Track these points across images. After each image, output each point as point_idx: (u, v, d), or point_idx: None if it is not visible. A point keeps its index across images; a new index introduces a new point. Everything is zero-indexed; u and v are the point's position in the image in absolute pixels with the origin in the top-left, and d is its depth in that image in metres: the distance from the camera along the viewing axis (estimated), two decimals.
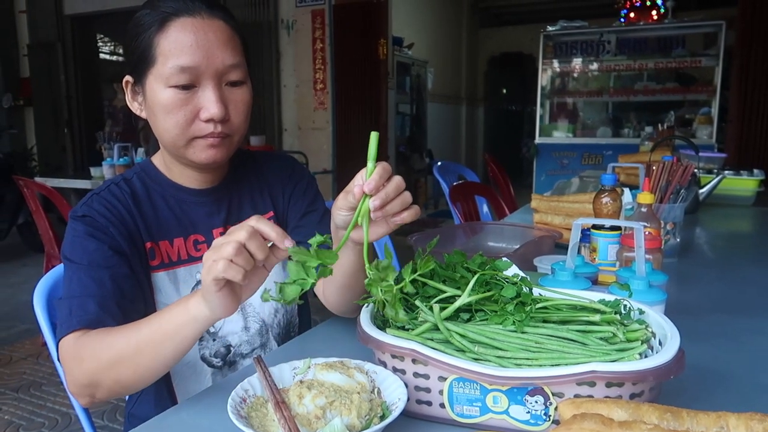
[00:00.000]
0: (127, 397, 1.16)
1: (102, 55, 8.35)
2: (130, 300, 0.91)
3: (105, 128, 6.36)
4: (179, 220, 1.03)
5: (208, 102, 0.90)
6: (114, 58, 8.90)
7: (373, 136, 0.76)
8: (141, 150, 4.24)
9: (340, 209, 0.80)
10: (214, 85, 0.91)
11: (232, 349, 1.07)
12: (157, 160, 1.06)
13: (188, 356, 1.02)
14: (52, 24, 7.11)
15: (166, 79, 0.89)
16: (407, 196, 0.77)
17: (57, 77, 7.18)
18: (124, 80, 0.98)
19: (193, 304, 0.76)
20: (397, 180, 0.76)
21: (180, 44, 0.89)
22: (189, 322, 0.76)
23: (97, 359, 0.80)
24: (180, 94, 0.90)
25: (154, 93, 0.91)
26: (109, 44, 8.76)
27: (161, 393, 1.04)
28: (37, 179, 3.97)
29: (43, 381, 2.85)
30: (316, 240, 0.72)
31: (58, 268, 1.17)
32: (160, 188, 1.03)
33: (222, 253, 0.70)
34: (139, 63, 0.92)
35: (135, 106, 0.98)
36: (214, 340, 1.05)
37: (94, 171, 4.23)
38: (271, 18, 5.97)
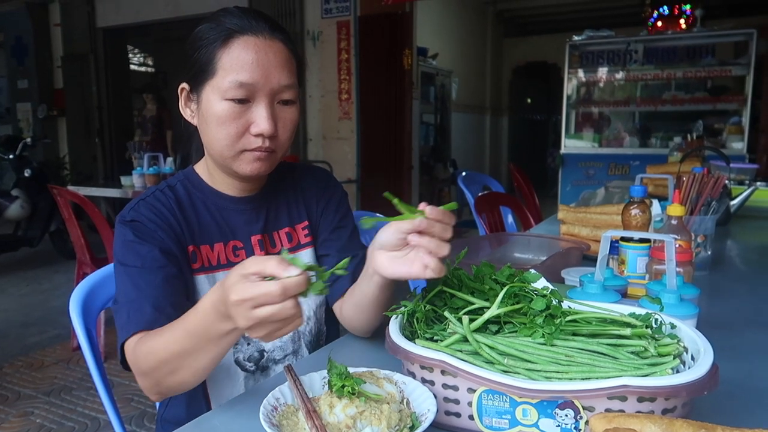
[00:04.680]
0: (158, 403, 1.18)
1: (132, 67, 8.56)
2: (182, 297, 0.95)
3: (135, 138, 6.48)
4: (220, 226, 1.06)
5: (260, 118, 0.95)
6: (143, 69, 9.12)
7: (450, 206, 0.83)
8: (170, 159, 4.32)
9: (381, 240, 0.85)
10: (267, 103, 0.95)
11: (265, 354, 1.09)
12: (200, 168, 1.10)
13: (223, 360, 1.04)
14: (85, 36, 7.30)
15: (223, 92, 0.93)
16: (445, 248, 0.80)
17: (89, 88, 7.37)
18: (179, 87, 1.02)
19: (227, 323, 0.73)
20: (448, 230, 0.80)
21: (241, 61, 0.93)
22: (231, 333, 0.76)
23: (155, 369, 0.83)
24: (235, 108, 0.94)
25: (210, 103, 0.95)
26: (139, 56, 8.98)
27: (195, 395, 1.06)
28: (69, 188, 4.06)
29: (74, 385, 2.91)
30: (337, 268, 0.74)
31: (93, 276, 1.20)
32: (202, 195, 1.07)
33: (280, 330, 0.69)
34: (199, 73, 0.96)
35: (187, 113, 1.03)
36: (248, 344, 1.07)
37: (124, 180, 4.32)
38: (297, 29, 6.04)
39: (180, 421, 0.99)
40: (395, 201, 0.80)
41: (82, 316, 1.13)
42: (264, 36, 0.95)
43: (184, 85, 1.01)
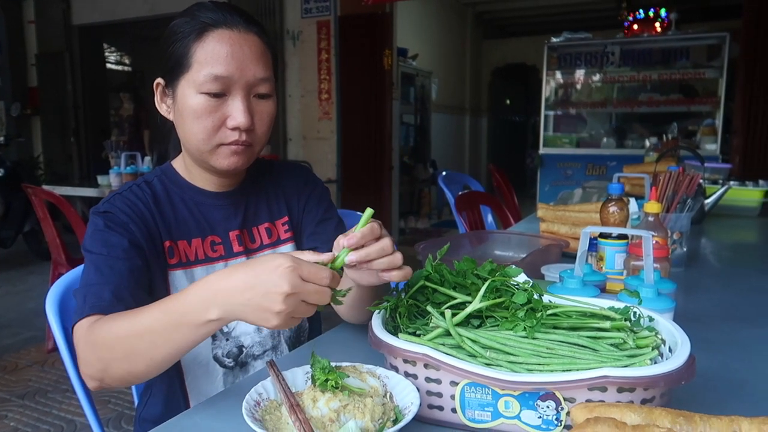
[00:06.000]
0: (136, 402, 1.17)
1: (109, 65, 8.43)
2: (143, 292, 0.93)
3: (112, 137, 6.39)
4: (197, 222, 1.05)
5: (237, 111, 0.94)
6: (120, 68, 8.99)
7: (367, 213, 0.79)
8: (147, 159, 4.27)
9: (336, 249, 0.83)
10: (243, 96, 0.95)
11: (244, 349, 1.08)
12: (178, 163, 1.09)
13: (201, 355, 1.04)
14: (60, 34, 7.17)
15: (199, 86, 0.93)
16: (396, 258, 0.80)
17: (64, 87, 7.24)
18: (155, 82, 1.01)
19: (213, 312, 0.73)
20: (384, 243, 0.79)
21: (216, 54, 0.92)
22: (206, 324, 0.75)
23: (110, 349, 0.80)
24: (210, 101, 0.94)
25: (186, 98, 0.95)
26: (115, 54, 8.84)
27: (173, 392, 1.05)
28: (45, 187, 3.99)
29: (49, 388, 2.86)
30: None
31: (70, 274, 1.18)
32: (179, 190, 1.06)
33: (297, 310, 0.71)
34: (174, 68, 0.96)
35: (163, 108, 1.02)
36: (227, 339, 1.06)
37: (101, 179, 4.25)
38: (276, 28, 6.01)
39: (158, 419, 0.98)
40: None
41: (59, 314, 1.11)
42: (239, 29, 0.95)
43: (160, 80, 1.00)
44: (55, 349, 3.29)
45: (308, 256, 0.75)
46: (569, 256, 1.56)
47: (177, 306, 0.76)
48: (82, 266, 1.18)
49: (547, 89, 5.85)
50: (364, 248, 0.78)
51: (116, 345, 0.80)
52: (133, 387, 1.21)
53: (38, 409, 2.65)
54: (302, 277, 0.70)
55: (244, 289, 0.71)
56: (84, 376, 0.84)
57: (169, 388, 1.05)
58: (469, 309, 0.78)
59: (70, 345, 1.11)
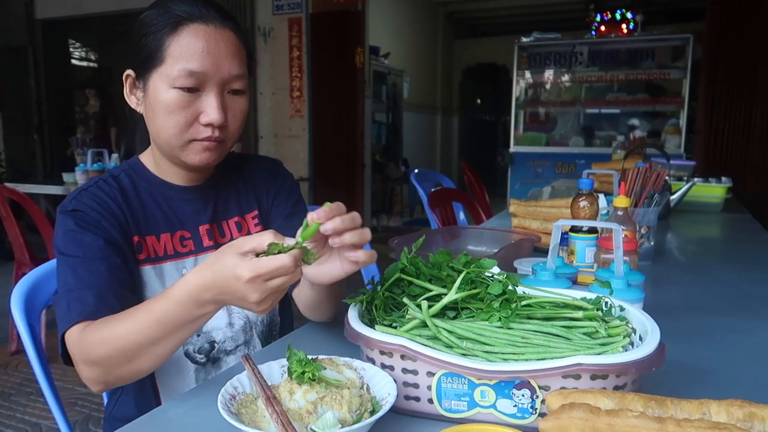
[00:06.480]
0: (106, 400, 1.14)
1: (74, 61, 8.23)
2: (126, 289, 0.92)
3: (77, 134, 6.24)
4: (166, 216, 1.04)
5: (210, 107, 0.93)
6: (86, 63, 8.77)
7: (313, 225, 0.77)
8: (115, 156, 4.19)
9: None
10: (217, 92, 0.94)
11: (216, 345, 1.07)
12: (146, 158, 1.07)
13: None
14: (23, 28, 6.97)
15: (172, 80, 0.91)
16: (366, 233, 0.78)
17: (27, 82, 7.04)
18: (124, 74, 0.99)
19: (208, 307, 0.76)
20: (354, 214, 0.79)
21: (191, 49, 0.91)
22: (204, 316, 0.78)
23: (109, 358, 0.81)
24: (184, 96, 0.92)
25: (158, 92, 0.93)
26: (81, 50, 8.63)
27: (144, 390, 1.03)
28: (7, 185, 3.87)
29: (12, 391, 2.78)
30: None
31: (35, 272, 1.15)
32: (147, 185, 1.04)
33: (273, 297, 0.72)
34: (146, 60, 0.94)
35: (132, 100, 1.00)
36: (198, 335, 1.05)
37: (66, 177, 4.15)
38: (247, 25, 5.95)
39: (129, 417, 0.95)
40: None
41: (25, 313, 1.08)
42: (214, 24, 0.93)
43: (130, 71, 0.98)
44: (19, 351, 3.20)
45: (268, 237, 0.71)
46: (541, 251, 1.58)
47: (170, 313, 0.77)
48: (46, 264, 1.16)
49: (518, 89, 5.91)
50: (336, 218, 0.76)
51: (114, 354, 0.81)
52: None
53: (1, 412, 2.57)
54: (265, 280, 0.69)
55: (221, 291, 0.73)
56: (86, 381, 0.85)
57: (139, 386, 1.03)
58: (445, 300, 0.79)
59: (37, 344, 1.09)
